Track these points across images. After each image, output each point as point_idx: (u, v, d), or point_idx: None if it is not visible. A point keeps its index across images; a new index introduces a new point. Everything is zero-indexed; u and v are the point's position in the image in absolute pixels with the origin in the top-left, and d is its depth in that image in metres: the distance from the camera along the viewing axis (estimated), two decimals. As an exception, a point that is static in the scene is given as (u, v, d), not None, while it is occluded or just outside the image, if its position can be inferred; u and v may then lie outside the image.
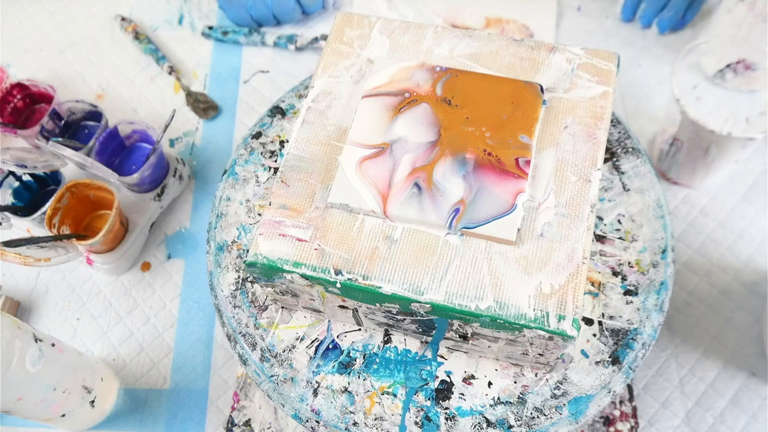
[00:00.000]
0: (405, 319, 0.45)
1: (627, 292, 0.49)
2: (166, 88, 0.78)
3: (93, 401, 0.56)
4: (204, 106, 0.76)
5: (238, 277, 0.52)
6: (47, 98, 0.73)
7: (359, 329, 0.49)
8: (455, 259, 0.41)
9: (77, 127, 0.72)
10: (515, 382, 0.46)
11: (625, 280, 0.50)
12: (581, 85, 0.47)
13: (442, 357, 0.48)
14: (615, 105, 0.72)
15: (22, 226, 0.68)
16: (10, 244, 0.57)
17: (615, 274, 0.50)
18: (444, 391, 0.47)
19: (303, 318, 0.50)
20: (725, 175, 0.67)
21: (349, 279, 0.41)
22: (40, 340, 0.50)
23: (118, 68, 0.80)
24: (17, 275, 0.68)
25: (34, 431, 0.60)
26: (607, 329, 0.48)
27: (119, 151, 0.70)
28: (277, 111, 0.59)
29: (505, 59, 0.49)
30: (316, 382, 0.47)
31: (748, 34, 0.63)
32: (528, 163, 0.43)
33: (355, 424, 0.46)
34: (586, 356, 0.47)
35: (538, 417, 0.45)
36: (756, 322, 0.60)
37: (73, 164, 0.66)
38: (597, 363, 0.47)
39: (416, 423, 0.46)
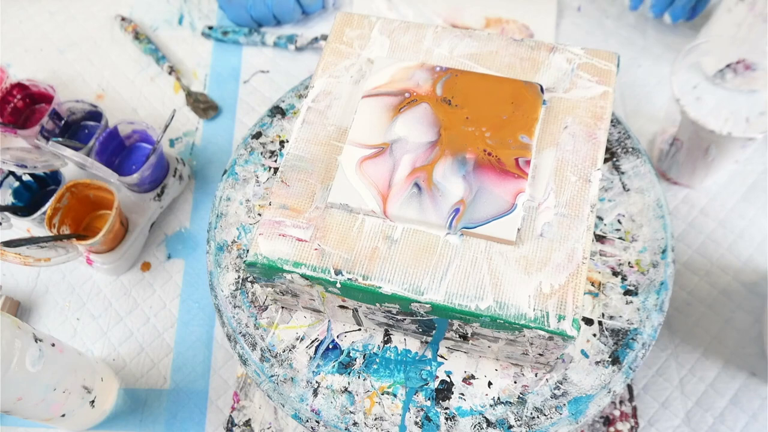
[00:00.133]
0: (405, 319, 0.45)
1: (627, 292, 0.49)
2: (166, 88, 0.78)
3: (93, 401, 0.56)
4: (204, 106, 0.76)
5: (238, 277, 0.52)
6: (47, 98, 0.73)
7: (359, 329, 0.49)
8: (455, 259, 0.41)
9: (77, 127, 0.72)
10: (515, 382, 0.46)
11: (625, 280, 0.50)
12: (581, 85, 0.47)
13: (442, 357, 0.48)
14: (615, 105, 0.72)
15: (22, 226, 0.68)
16: (10, 244, 0.57)
17: (615, 274, 0.50)
18: (444, 391, 0.47)
19: (303, 318, 0.50)
20: (725, 175, 0.67)
21: (349, 279, 0.41)
22: (40, 340, 0.50)
23: (118, 68, 0.80)
24: (17, 275, 0.68)
25: (34, 431, 0.60)
26: (607, 329, 0.48)
27: (119, 151, 0.70)
28: (277, 111, 0.59)
29: (505, 59, 0.49)
30: (316, 382, 0.47)
31: (748, 34, 0.63)
32: (528, 163, 0.43)
33: (355, 424, 0.46)
34: (586, 356, 0.47)
35: (538, 417, 0.45)
36: (756, 322, 0.60)
37: (73, 164, 0.66)
38: (597, 363, 0.47)
39: (416, 423, 0.46)
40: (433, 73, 0.47)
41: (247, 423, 0.58)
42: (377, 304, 0.43)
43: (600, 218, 0.52)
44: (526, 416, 0.45)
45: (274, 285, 0.45)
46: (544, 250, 0.41)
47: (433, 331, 0.45)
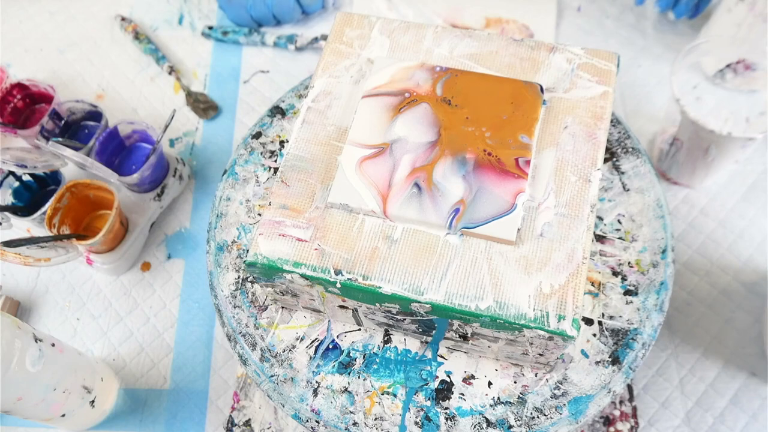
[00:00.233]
0: (405, 319, 0.45)
1: (627, 292, 0.49)
2: (166, 88, 0.78)
3: (93, 401, 0.56)
4: (204, 106, 0.76)
5: (238, 277, 0.52)
6: (47, 98, 0.73)
7: (359, 329, 0.49)
8: (455, 259, 0.41)
9: (77, 127, 0.72)
10: (515, 382, 0.46)
11: (625, 280, 0.50)
12: (581, 85, 0.47)
13: (442, 357, 0.48)
14: (615, 105, 0.72)
15: (22, 226, 0.68)
16: (10, 244, 0.57)
17: (615, 274, 0.50)
18: (444, 391, 0.47)
19: (303, 318, 0.50)
20: (725, 175, 0.67)
21: (349, 279, 0.41)
22: (40, 340, 0.50)
23: (118, 68, 0.80)
24: (17, 275, 0.68)
25: (34, 431, 0.60)
26: (607, 329, 0.48)
27: (119, 151, 0.70)
28: (277, 111, 0.59)
29: (505, 59, 0.49)
30: (316, 382, 0.47)
31: (748, 34, 0.63)
32: (528, 163, 0.43)
33: (355, 424, 0.46)
34: (586, 356, 0.47)
35: (538, 417, 0.45)
36: (756, 322, 0.60)
37: (73, 164, 0.66)
38: (597, 363, 0.47)
39: (416, 423, 0.46)
40: (433, 73, 0.47)
41: (247, 423, 0.58)
42: (377, 304, 0.43)
43: (600, 218, 0.52)
44: (526, 416, 0.45)
45: (274, 285, 0.45)
46: (544, 250, 0.41)
47: (433, 331, 0.45)
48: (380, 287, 0.41)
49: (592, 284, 0.49)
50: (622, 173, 0.54)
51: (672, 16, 0.74)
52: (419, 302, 0.41)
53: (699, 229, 0.65)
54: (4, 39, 0.83)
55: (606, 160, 0.55)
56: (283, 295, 0.47)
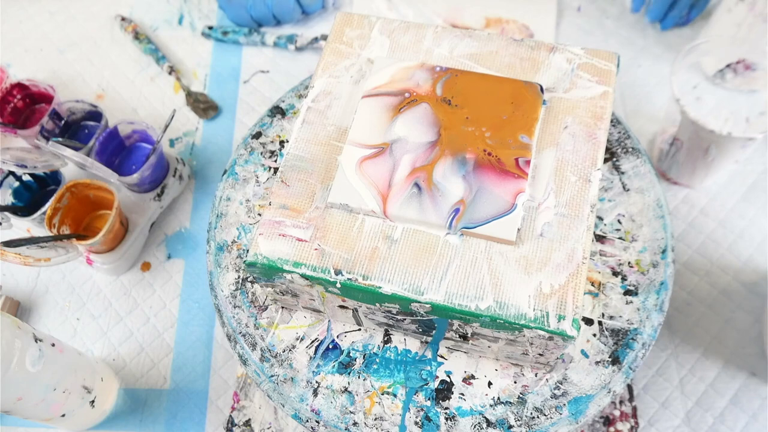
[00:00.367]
0: (405, 319, 0.45)
1: (627, 292, 0.49)
2: (166, 88, 0.78)
3: (93, 401, 0.56)
4: (204, 106, 0.76)
5: (238, 277, 0.52)
6: (47, 98, 0.73)
7: (359, 329, 0.49)
8: (455, 259, 0.41)
9: (77, 127, 0.72)
10: (515, 382, 0.46)
11: (625, 280, 0.50)
12: (581, 85, 0.47)
13: (442, 357, 0.48)
14: (615, 105, 0.72)
15: (22, 226, 0.68)
16: (10, 244, 0.57)
17: (615, 274, 0.50)
18: (444, 391, 0.47)
19: (303, 318, 0.50)
20: (725, 175, 0.67)
21: (349, 279, 0.41)
22: (40, 340, 0.50)
23: (118, 68, 0.80)
24: (17, 275, 0.68)
25: (34, 431, 0.60)
26: (607, 329, 0.48)
27: (119, 151, 0.70)
28: (277, 111, 0.59)
29: (505, 59, 0.49)
30: (316, 382, 0.47)
31: (748, 34, 0.63)
32: (528, 163, 0.43)
33: (355, 424, 0.46)
34: (586, 356, 0.47)
35: (538, 417, 0.45)
36: (756, 322, 0.60)
37: (73, 164, 0.66)
38: (597, 363, 0.47)
39: (416, 423, 0.46)
40: (433, 73, 0.47)
41: (247, 423, 0.58)
42: (377, 304, 0.43)
43: (600, 218, 0.52)
44: (526, 416, 0.45)
45: (274, 285, 0.45)
46: (544, 250, 0.41)
47: (433, 331, 0.45)
48: (380, 287, 0.41)
49: (592, 284, 0.49)
50: (622, 173, 0.54)
51: (656, 30, 0.76)
52: (419, 302, 0.41)
53: (699, 229, 0.65)
54: (4, 39, 0.83)
55: (606, 160, 0.55)
56: (283, 295, 0.47)
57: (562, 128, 0.45)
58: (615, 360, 0.47)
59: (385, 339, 0.49)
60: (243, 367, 0.49)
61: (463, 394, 0.46)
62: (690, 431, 0.57)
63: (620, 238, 0.51)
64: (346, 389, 0.47)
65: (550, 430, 0.45)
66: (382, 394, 0.47)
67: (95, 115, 0.71)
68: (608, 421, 0.56)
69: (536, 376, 0.46)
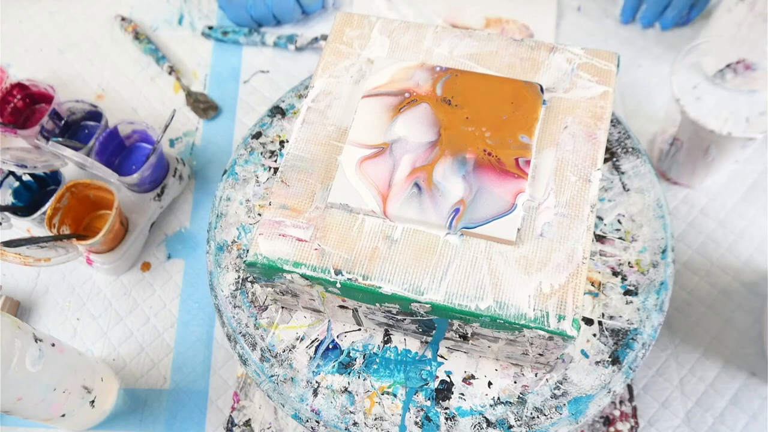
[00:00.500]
0: (405, 319, 0.45)
1: (627, 292, 0.49)
2: (166, 88, 0.78)
3: (93, 401, 0.56)
4: (204, 106, 0.76)
5: (238, 277, 0.52)
6: (47, 98, 0.73)
7: (359, 329, 0.49)
8: (455, 259, 0.41)
9: (77, 127, 0.72)
10: (515, 382, 0.46)
11: (625, 280, 0.50)
12: (581, 85, 0.47)
13: (442, 357, 0.48)
14: (615, 105, 0.72)
15: (22, 226, 0.68)
16: (10, 244, 0.57)
17: (615, 274, 0.50)
18: (444, 391, 0.47)
19: (303, 318, 0.50)
20: (725, 175, 0.67)
21: (349, 279, 0.41)
22: (40, 340, 0.50)
23: (118, 68, 0.80)
24: (17, 275, 0.68)
25: (34, 431, 0.60)
26: (607, 329, 0.48)
27: (119, 151, 0.70)
28: (277, 111, 0.59)
29: (505, 59, 0.49)
30: (316, 382, 0.47)
31: (748, 34, 0.63)
32: (528, 163, 0.43)
33: (355, 424, 0.46)
34: (586, 356, 0.47)
35: (538, 417, 0.45)
36: (756, 322, 0.60)
37: (73, 164, 0.66)
38: (597, 363, 0.47)
39: (416, 423, 0.46)
40: (433, 73, 0.47)
41: (247, 423, 0.58)
42: (377, 304, 0.43)
43: (600, 218, 0.52)
44: (526, 416, 0.45)
45: (274, 285, 0.45)
46: (544, 250, 0.41)
47: (433, 331, 0.45)
48: (380, 287, 0.41)
49: (592, 284, 0.49)
50: (622, 173, 0.54)
51: (658, 27, 0.76)
52: (419, 302, 0.41)
53: (699, 229, 0.65)
54: (4, 39, 0.83)
55: (606, 160, 0.55)
56: (283, 295, 0.47)
57: (562, 128, 0.45)
58: (615, 360, 0.47)
59: (385, 339, 0.49)
60: (243, 367, 0.49)
61: (463, 394, 0.46)
62: (690, 431, 0.57)
63: (620, 238, 0.51)
64: (346, 389, 0.47)
65: (550, 430, 0.45)
66: (382, 394, 0.47)
67: (95, 115, 0.71)
68: (608, 421, 0.56)
69: (536, 376, 0.46)
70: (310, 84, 0.49)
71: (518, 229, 0.42)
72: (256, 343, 0.49)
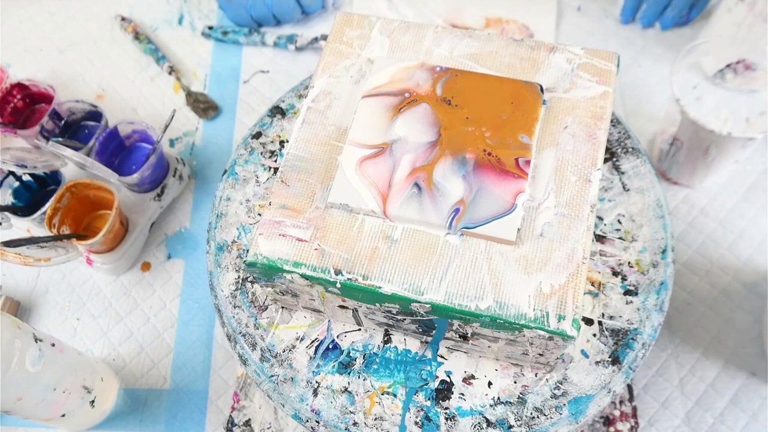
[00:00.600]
0: (405, 319, 0.45)
1: (627, 292, 0.49)
2: (166, 88, 0.78)
3: (93, 401, 0.56)
4: (204, 106, 0.76)
5: (238, 277, 0.52)
6: (47, 98, 0.73)
7: (359, 329, 0.49)
8: (455, 259, 0.41)
9: (77, 127, 0.72)
10: (515, 382, 0.46)
11: (625, 280, 0.50)
12: (581, 85, 0.47)
13: (442, 357, 0.48)
14: (615, 105, 0.72)
15: (22, 226, 0.68)
16: (10, 244, 0.57)
17: (615, 274, 0.50)
18: (444, 391, 0.47)
19: (303, 318, 0.50)
20: (725, 175, 0.67)
21: (349, 279, 0.41)
22: (40, 340, 0.50)
23: (118, 68, 0.80)
24: (17, 275, 0.68)
25: (34, 431, 0.60)
26: (607, 329, 0.48)
27: (119, 151, 0.70)
28: (277, 111, 0.59)
29: (505, 59, 0.49)
30: (316, 382, 0.47)
31: (748, 34, 0.63)
32: (528, 163, 0.43)
33: (355, 424, 0.46)
34: (586, 356, 0.47)
35: (538, 417, 0.45)
36: (756, 322, 0.60)
37: (73, 164, 0.66)
38: (597, 363, 0.47)
39: (416, 423, 0.46)
40: (433, 73, 0.47)
41: (247, 423, 0.58)
42: (377, 304, 0.43)
43: (600, 218, 0.52)
44: (526, 416, 0.45)
45: (274, 285, 0.45)
46: (544, 250, 0.41)
47: (433, 331, 0.45)
48: (380, 287, 0.41)
49: (592, 284, 0.49)
50: (622, 173, 0.54)
51: (659, 27, 0.76)
52: (419, 302, 0.41)
53: (699, 229, 0.65)
54: (4, 39, 0.83)
55: (606, 160, 0.55)
56: (283, 295, 0.47)
57: (562, 128, 0.45)
58: (615, 360, 0.47)
59: (385, 339, 0.49)
60: (243, 367, 0.49)
61: (463, 394, 0.46)
62: (690, 431, 0.57)
63: (620, 238, 0.51)
64: (346, 389, 0.47)
65: (550, 430, 0.45)
66: (382, 394, 0.47)
67: (95, 115, 0.71)
68: (608, 421, 0.56)
69: (536, 376, 0.46)
70: (310, 84, 0.49)
71: (518, 229, 0.42)
72: (256, 343, 0.49)
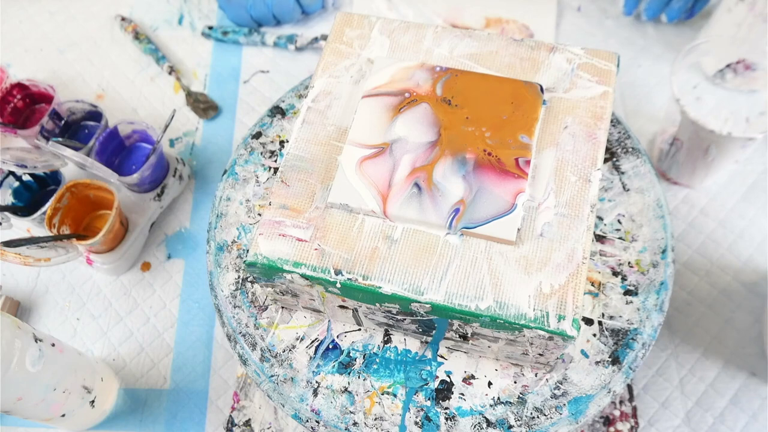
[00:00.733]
0: (405, 319, 0.45)
1: (627, 292, 0.49)
2: (166, 88, 0.78)
3: (93, 401, 0.56)
4: (204, 106, 0.76)
5: (238, 277, 0.52)
6: (47, 98, 0.73)
7: (359, 329, 0.49)
8: (455, 259, 0.41)
9: (77, 127, 0.72)
10: (515, 382, 0.46)
11: (625, 280, 0.50)
12: (581, 85, 0.47)
13: (442, 357, 0.48)
14: (615, 105, 0.72)
15: (22, 226, 0.68)
16: (10, 244, 0.57)
17: (615, 274, 0.50)
18: (444, 391, 0.47)
19: (303, 318, 0.50)
20: (725, 175, 0.67)
21: (349, 279, 0.41)
22: (40, 340, 0.50)
23: (118, 68, 0.80)
24: (17, 275, 0.68)
25: (34, 431, 0.60)
26: (607, 329, 0.48)
27: (119, 151, 0.70)
28: (277, 111, 0.59)
29: (505, 59, 0.49)
30: (316, 382, 0.47)
31: (748, 34, 0.63)
32: (528, 163, 0.43)
33: (355, 424, 0.46)
34: (586, 356, 0.47)
35: (538, 417, 0.45)
36: (756, 322, 0.60)
37: (73, 164, 0.66)
38: (597, 363, 0.47)
39: (416, 423, 0.46)
40: (433, 73, 0.47)
41: (247, 423, 0.58)
42: (377, 304, 0.43)
43: (600, 218, 0.52)
44: (526, 416, 0.45)
45: (274, 285, 0.45)
46: (544, 250, 0.41)
47: (433, 331, 0.45)
48: (380, 287, 0.41)
49: (592, 284, 0.49)
50: (622, 173, 0.54)
51: (664, 19, 0.75)
52: (419, 302, 0.41)
53: (699, 229, 0.65)
54: (4, 39, 0.83)
55: (606, 160, 0.55)
56: (283, 295, 0.47)
57: (562, 128, 0.45)
58: (615, 360, 0.47)
59: (385, 339, 0.49)
60: (243, 367, 0.49)
61: (463, 394, 0.46)
62: (690, 431, 0.57)
63: (620, 238, 0.51)
64: (346, 389, 0.47)
65: (550, 430, 0.45)
66: (382, 394, 0.47)
67: (95, 115, 0.71)
68: (608, 421, 0.56)
69: (536, 376, 0.46)
70: (310, 84, 0.49)
71: (518, 229, 0.42)
72: (256, 343, 0.49)
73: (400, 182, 0.43)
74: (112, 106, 0.77)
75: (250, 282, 0.51)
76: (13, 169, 0.61)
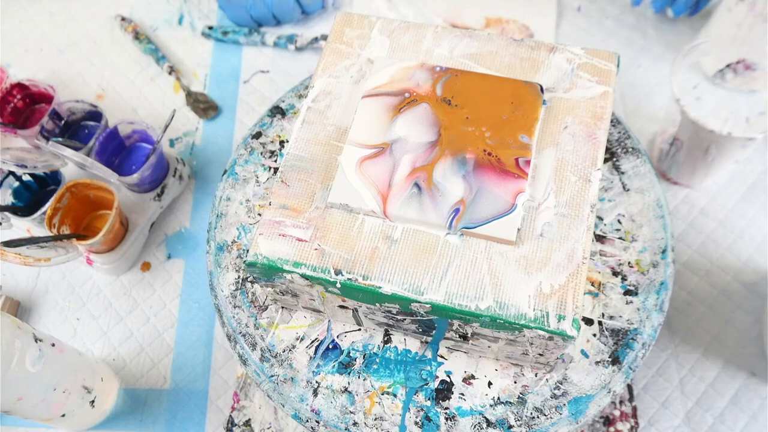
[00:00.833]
0: (405, 319, 0.45)
1: (627, 292, 0.49)
2: (166, 88, 0.78)
3: (93, 401, 0.56)
4: (204, 106, 0.76)
5: (238, 277, 0.52)
6: (47, 98, 0.73)
7: (359, 329, 0.49)
8: (455, 259, 0.41)
9: (77, 127, 0.72)
10: (515, 382, 0.46)
11: (625, 280, 0.50)
12: (581, 85, 0.47)
13: (442, 357, 0.48)
14: (615, 105, 0.72)
15: (22, 226, 0.68)
16: (10, 244, 0.57)
17: (615, 274, 0.50)
18: (444, 391, 0.47)
19: (303, 318, 0.50)
20: (725, 175, 0.67)
21: (349, 279, 0.41)
22: (40, 340, 0.50)
23: (118, 68, 0.80)
24: (17, 275, 0.68)
25: (34, 431, 0.60)
26: (607, 329, 0.48)
27: (119, 151, 0.70)
28: (277, 111, 0.59)
29: (505, 59, 0.49)
30: (316, 382, 0.47)
31: (748, 34, 0.63)
32: (528, 163, 0.43)
33: (355, 424, 0.46)
34: (586, 356, 0.47)
35: (538, 417, 0.45)
36: (756, 322, 0.60)
37: (73, 164, 0.66)
38: (597, 363, 0.47)
39: (416, 423, 0.46)
40: (433, 73, 0.47)
41: (247, 423, 0.58)
42: (377, 304, 0.43)
43: (600, 218, 0.52)
44: (526, 416, 0.45)
45: (274, 285, 0.45)
46: (544, 250, 0.41)
47: (433, 331, 0.45)
48: (380, 287, 0.41)
49: (592, 284, 0.49)
50: (622, 173, 0.54)
51: (671, 13, 0.74)
52: (419, 302, 0.41)
53: (699, 229, 0.65)
54: (4, 39, 0.83)
55: (606, 160, 0.55)
56: (283, 295, 0.47)
57: (562, 128, 0.45)
58: (615, 360, 0.47)
59: (385, 339, 0.49)
60: (243, 367, 0.49)
61: (463, 394, 0.46)
62: (690, 431, 0.57)
63: (620, 238, 0.51)
64: (346, 389, 0.47)
65: (550, 430, 0.45)
66: (382, 394, 0.47)
67: (95, 115, 0.71)
68: (608, 421, 0.56)
69: (536, 376, 0.46)
70: (310, 84, 0.49)
71: (518, 229, 0.42)
72: (256, 343, 0.49)
73: (400, 182, 0.43)
74: (112, 106, 0.77)
75: (250, 282, 0.51)
76: (13, 169, 0.61)
